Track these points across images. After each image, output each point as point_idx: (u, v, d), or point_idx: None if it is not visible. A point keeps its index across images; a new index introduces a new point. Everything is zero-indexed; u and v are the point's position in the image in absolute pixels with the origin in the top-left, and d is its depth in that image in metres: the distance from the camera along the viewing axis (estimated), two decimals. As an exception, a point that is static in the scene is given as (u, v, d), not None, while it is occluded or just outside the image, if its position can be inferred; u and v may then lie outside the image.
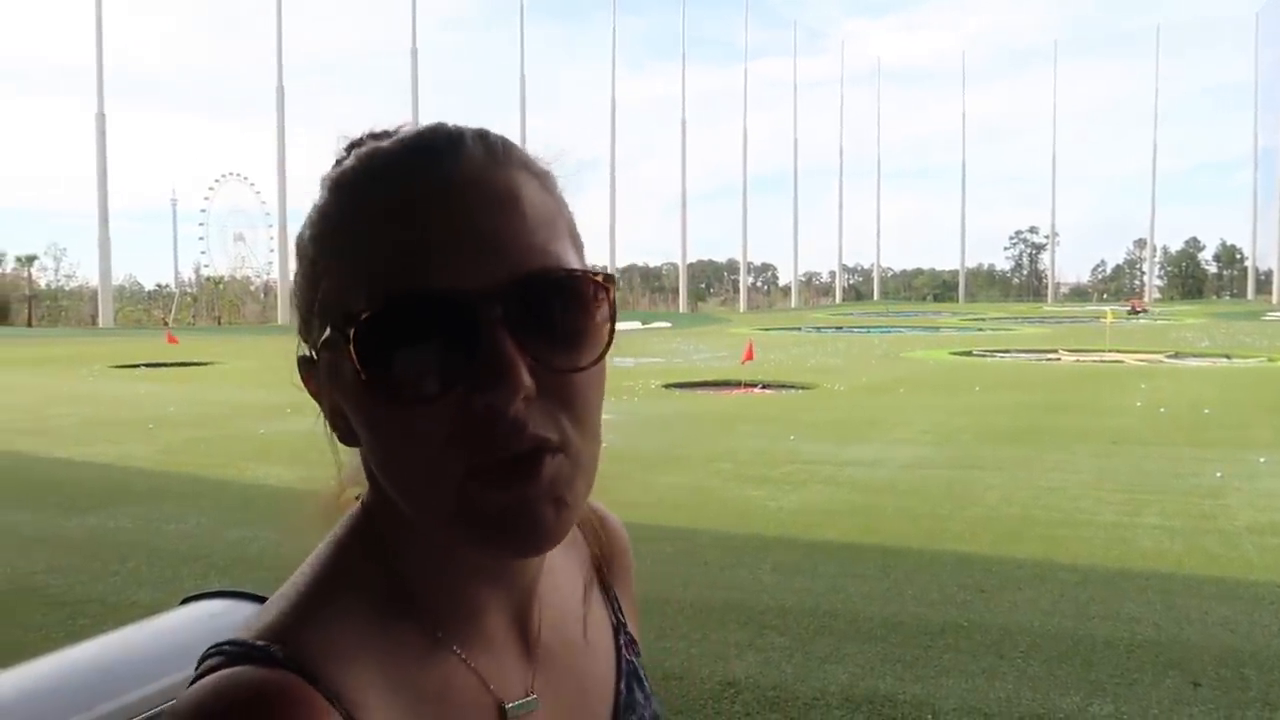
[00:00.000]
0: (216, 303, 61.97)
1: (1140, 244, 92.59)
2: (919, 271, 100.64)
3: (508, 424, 0.51)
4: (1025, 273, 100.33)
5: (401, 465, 0.55)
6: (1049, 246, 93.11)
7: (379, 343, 0.51)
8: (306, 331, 0.59)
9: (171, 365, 22.29)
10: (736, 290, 79.54)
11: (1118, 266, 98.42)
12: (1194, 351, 25.17)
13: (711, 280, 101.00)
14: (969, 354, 25.02)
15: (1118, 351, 24.93)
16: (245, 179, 60.99)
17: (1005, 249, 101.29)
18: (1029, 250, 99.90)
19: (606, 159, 66.40)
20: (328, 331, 0.55)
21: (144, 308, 67.65)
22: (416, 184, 0.53)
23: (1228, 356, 23.60)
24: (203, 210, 61.07)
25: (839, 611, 4.46)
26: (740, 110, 73.01)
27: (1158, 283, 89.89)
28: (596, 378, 0.56)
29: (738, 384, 16.80)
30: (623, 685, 0.69)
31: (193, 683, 0.52)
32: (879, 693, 3.53)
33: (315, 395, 0.61)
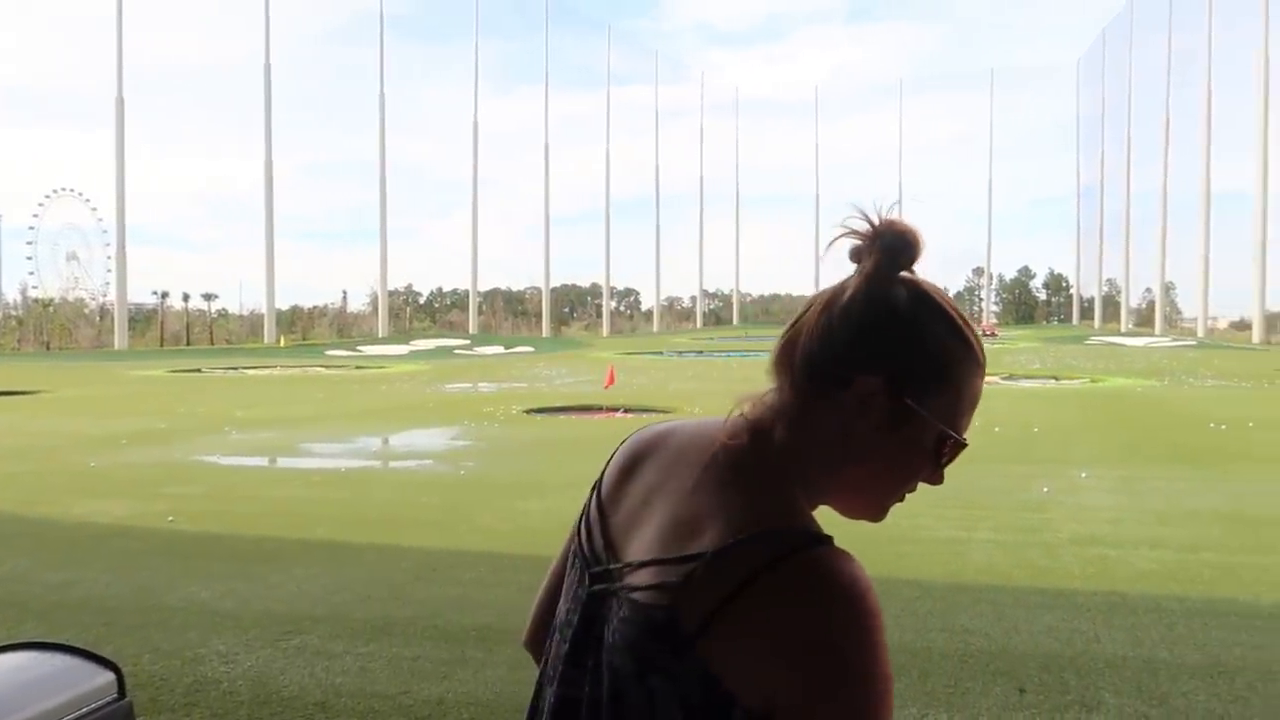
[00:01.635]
0: (45, 326, 57.73)
1: (979, 272, 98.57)
2: (776, 297, 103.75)
3: (942, 474, 0.94)
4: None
5: (886, 474, 0.93)
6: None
7: (947, 452, 0.92)
8: (901, 378, 0.89)
9: (-10, 394, 20.60)
10: (600, 314, 79.97)
11: (959, 293, 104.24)
12: (1026, 373, 26.94)
13: (575, 304, 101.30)
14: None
15: (959, 374, 26.33)
16: (80, 195, 57.18)
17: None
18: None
19: (469, 181, 65.79)
20: (928, 409, 0.89)
21: (-41, 331, 62.24)
22: (979, 377, 0.93)
23: (1055, 378, 25.36)
24: (31, 227, 56.86)
25: (693, 635, 4.52)
26: (604, 135, 73.89)
27: (994, 309, 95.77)
28: None
29: (599, 408, 16.87)
30: None
31: (786, 563, 0.83)
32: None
33: (868, 404, 0.89)
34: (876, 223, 0.90)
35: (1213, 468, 10.05)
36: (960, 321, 0.91)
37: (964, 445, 0.91)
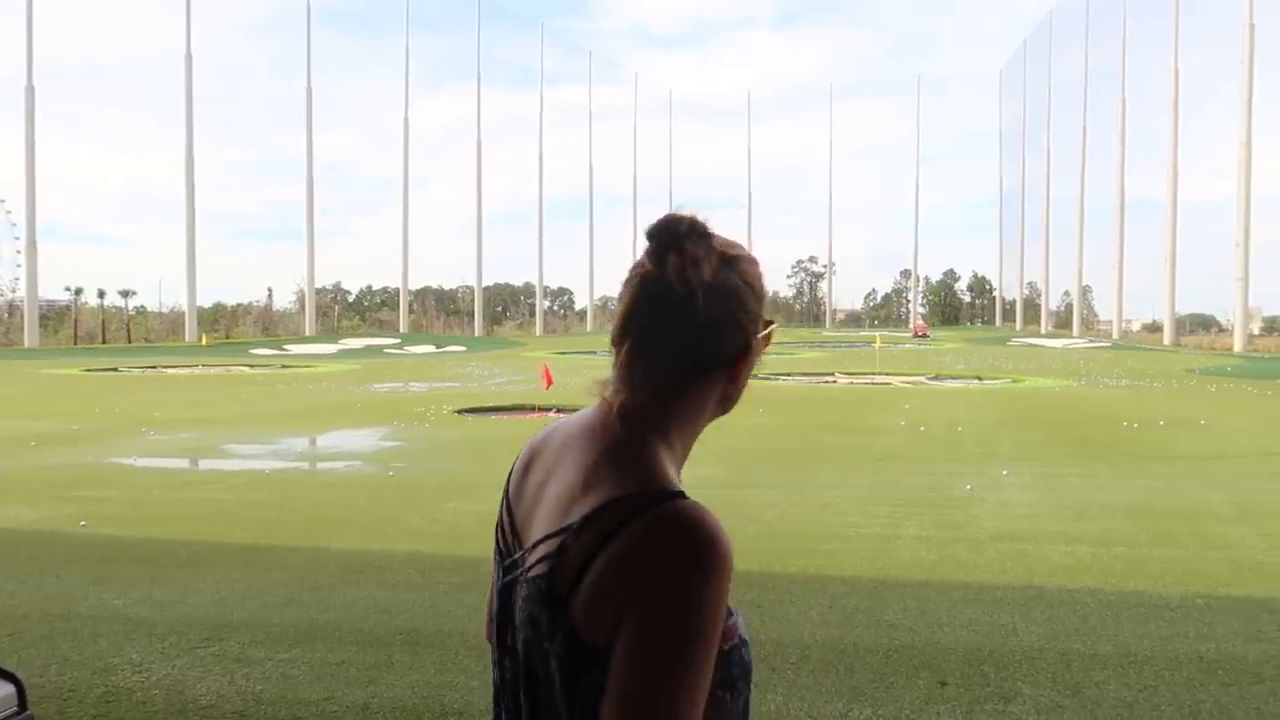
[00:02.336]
0: (-51, 324, 55.14)
1: (906, 274, 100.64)
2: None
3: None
4: (806, 300, 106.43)
5: (702, 410, 1.07)
6: (827, 275, 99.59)
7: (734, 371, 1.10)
8: (744, 334, 1.07)
9: (-111, 394, 19.60)
10: (533, 314, 79.49)
11: (887, 295, 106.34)
12: (951, 374, 27.58)
13: (508, 304, 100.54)
14: (755, 377, 26.09)
15: (887, 374, 26.91)
16: (-14, 187, 54.73)
17: (788, 277, 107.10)
18: (809, 279, 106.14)
19: (400, 178, 64.82)
20: (723, 351, 1.06)
21: None
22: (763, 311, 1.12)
23: (979, 378, 26.02)
24: (-67, 221, 54.27)
25: (623, 635, 4.51)
26: (536, 134, 73.48)
27: (921, 310, 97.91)
28: None
29: (532, 408, 16.76)
30: None
31: (639, 517, 0.93)
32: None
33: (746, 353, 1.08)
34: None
35: (1125, 465, 10.42)
36: (745, 269, 1.08)
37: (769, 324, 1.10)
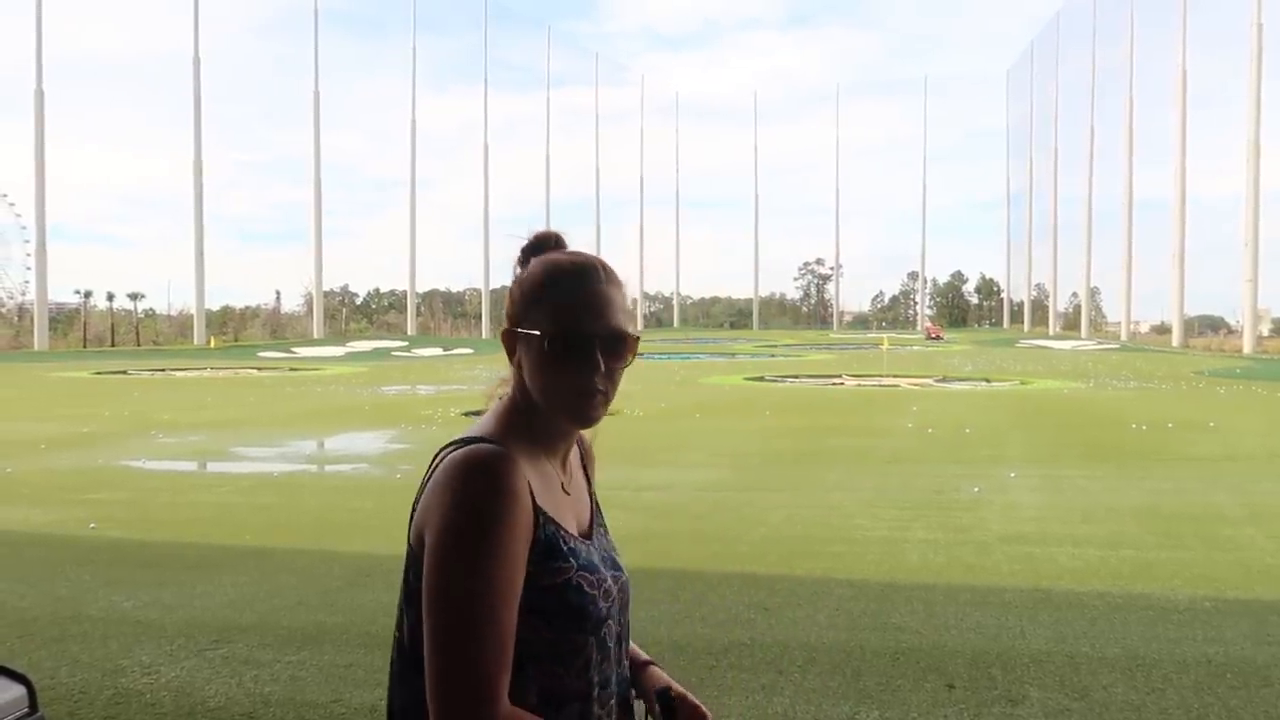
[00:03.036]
0: (-40, 326, 55.36)
1: (913, 276, 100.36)
2: (716, 299, 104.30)
3: (593, 385, 1.19)
4: (813, 301, 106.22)
5: (554, 389, 1.19)
6: (834, 277, 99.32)
7: (562, 344, 1.18)
8: (516, 323, 1.22)
9: (-100, 397, 19.72)
10: (541, 316, 79.41)
11: (894, 297, 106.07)
12: (959, 375, 27.53)
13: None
14: (762, 379, 26.19)
15: (894, 376, 26.87)
16: (-4, 191, 55.01)
17: (795, 279, 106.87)
18: (816, 280, 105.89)
19: (406, 180, 64.93)
20: (536, 331, 1.19)
21: None
22: (583, 287, 1.21)
23: (987, 380, 25.96)
24: (-57, 224, 54.50)
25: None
26: (543, 136, 73.57)
27: (928, 312, 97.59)
28: (625, 371, 1.23)
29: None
30: (596, 504, 1.37)
31: (443, 459, 1.16)
32: (665, 716, 3.59)
33: (509, 347, 1.24)
34: (529, 235, 1.29)
35: (1133, 467, 10.39)
36: (554, 259, 1.23)
37: (597, 339, 1.19)
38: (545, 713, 1.15)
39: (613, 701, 1.26)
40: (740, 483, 9.36)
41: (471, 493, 1.09)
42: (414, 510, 1.17)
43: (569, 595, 1.15)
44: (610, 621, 1.22)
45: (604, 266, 1.25)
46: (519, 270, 1.26)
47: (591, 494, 1.37)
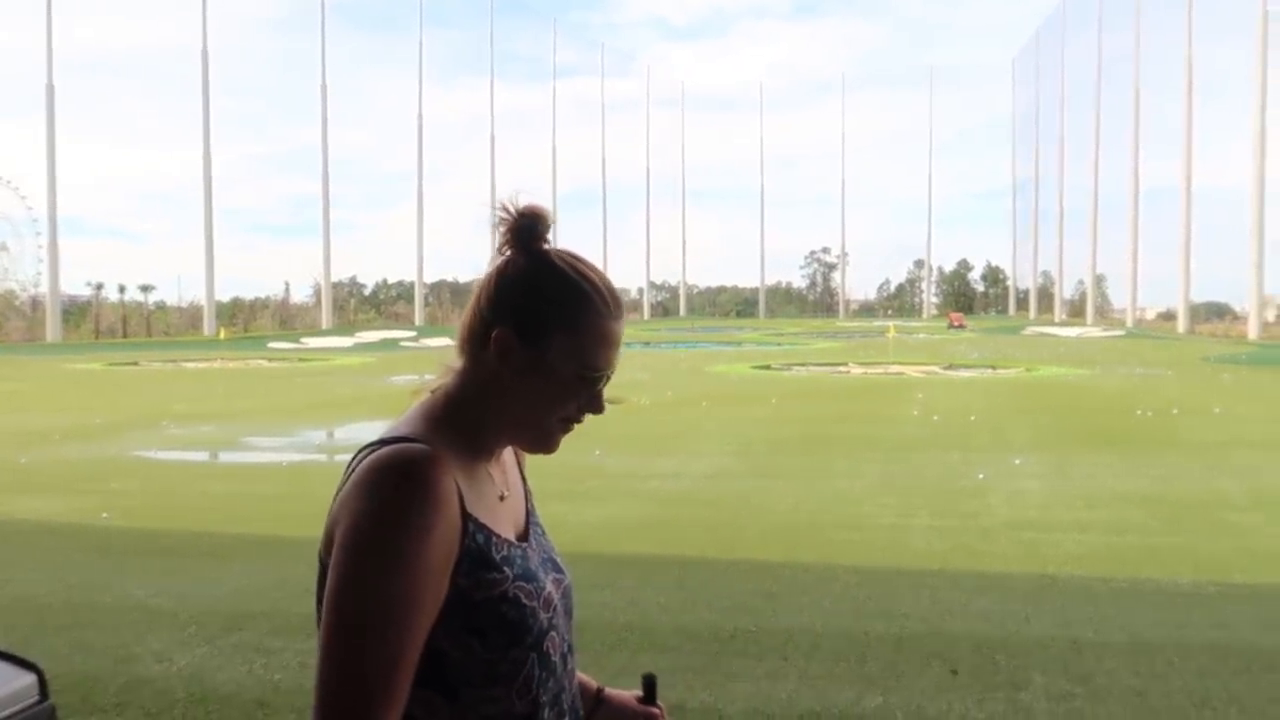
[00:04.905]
0: (-29, 319, 55.58)
1: (919, 264, 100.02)
2: (723, 289, 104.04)
3: (577, 420, 1.15)
4: (819, 290, 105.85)
5: (534, 408, 1.12)
6: (840, 266, 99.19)
7: (579, 380, 1.11)
8: (524, 330, 1.09)
9: (-89, 389, 19.84)
10: (547, 306, 79.34)
11: (900, 285, 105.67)
12: (964, 363, 27.48)
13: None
14: (768, 368, 26.19)
15: (900, 364, 26.85)
16: (9, 184, 55.14)
17: (801, 268, 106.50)
18: (822, 269, 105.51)
19: (414, 172, 64.91)
20: (552, 351, 1.09)
21: (-124, 325, 59.62)
22: (615, 323, 1.13)
23: (993, 367, 25.92)
24: (-47, 217, 54.63)
25: (635, 625, 4.56)
26: (550, 127, 73.43)
27: (934, 300, 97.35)
28: None
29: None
30: (530, 505, 1.26)
31: (363, 460, 1.05)
32: (668, 702, 3.62)
33: (503, 352, 1.09)
34: (514, 212, 1.13)
35: (1138, 453, 10.39)
36: (580, 278, 1.10)
37: (600, 378, 1.12)
38: None
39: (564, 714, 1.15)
40: (747, 471, 9.39)
41: (388, 496, 0.99)
42: (328, 519, 1.05)
43: (505, 609, 1.05)
44: (553, 634, 1.11)
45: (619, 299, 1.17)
46: (515, 258, 1.12)
47: (526, 491, 1.26)
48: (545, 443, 1.14)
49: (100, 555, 6.12)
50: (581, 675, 1.27)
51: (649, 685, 1.34)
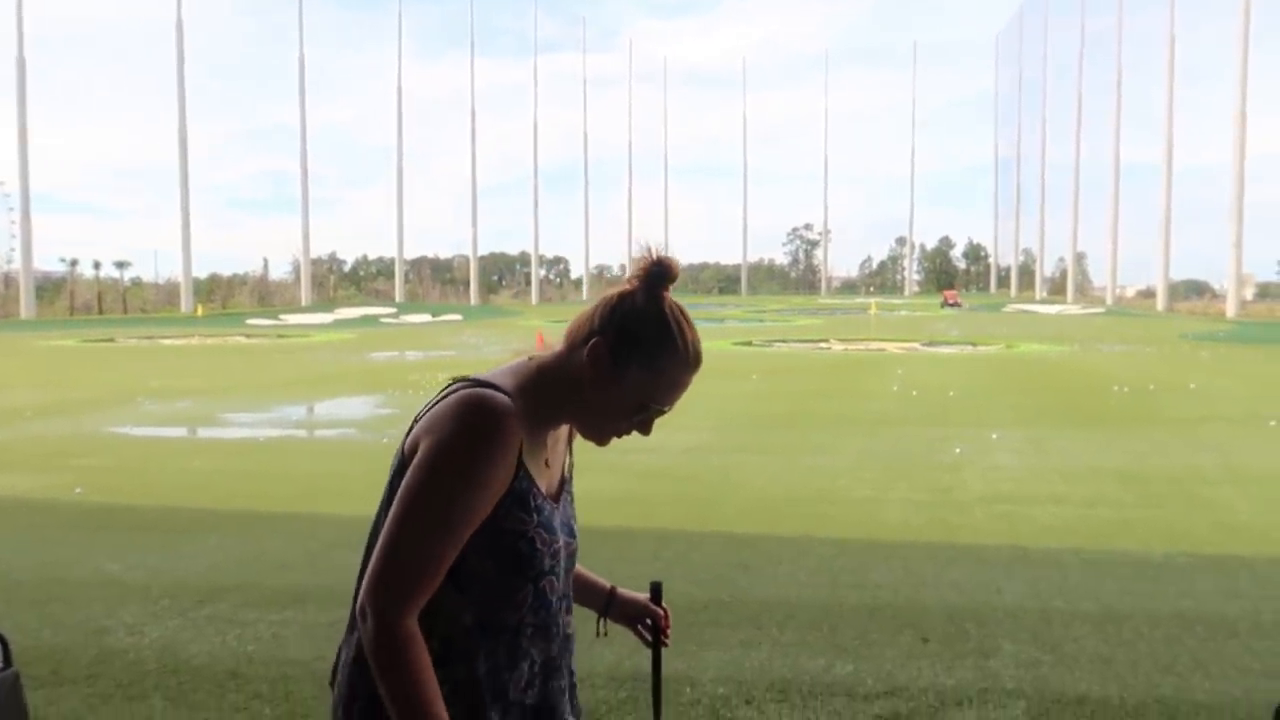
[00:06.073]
0: (-59, 296, 54.78)
1: (901, 241, 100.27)
2: (705, 266, 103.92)
3: (626, 432, 1.37)
4: (802, 267, 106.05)
5: (599, 412, 1.35)
6: (822, 243, 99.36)
7: (643, 407, 1.34)
8: (618, 350, 1.30)
9: (-118, 365, 19.57)
10: (529, 283, 79.18)
11: (882, 262, 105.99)
12: (945, 340, 27.63)
13: (504, 272, 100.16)
14: (750, 344, 26.23)
15: (881, 340, 26.95)
16: (-23, 157, 54.18)
17: (784, 245, 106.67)
18: (805, 246, 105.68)
19: (394, 148, 64.33)
20: (630, 377, 1.31)
21: None
22: (690, 376, 1.35)
23: (973, 344, 26.07)
24: (-76, 192, 53.74)
25: (611, 595, 4.56)
26: (531, 102, 72.83)
27: (916, 277, 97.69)
28: None
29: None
30: (567, 475, 1.46)
31: (456, 391, 1.30)
32: (642, 670, 3.61)
33: (594, 359, 1.30)
34: (653, 255, 1.33)
35: (1114, 429, 10.49)
36: (678, 331, 1.31)
37: (659, 412, 1.35)
38: (478, 638, 1.30)
39: (551, 648, 1.38)
40: (726, 445, 9.41)
41: (473, 427, 1.24)
42: (413, 425, 1.31)
43: (520, 544, 1.29)
44: (552, 577, 1.35)
45: None
46: (638, 293, 1.32)
47: (569, 463, 1.48)
48: (597, 438, 1.38)
49: (73, 530, 6.07)
50: (594, 576, 1.59)
51: (656, 590, 1.60)
